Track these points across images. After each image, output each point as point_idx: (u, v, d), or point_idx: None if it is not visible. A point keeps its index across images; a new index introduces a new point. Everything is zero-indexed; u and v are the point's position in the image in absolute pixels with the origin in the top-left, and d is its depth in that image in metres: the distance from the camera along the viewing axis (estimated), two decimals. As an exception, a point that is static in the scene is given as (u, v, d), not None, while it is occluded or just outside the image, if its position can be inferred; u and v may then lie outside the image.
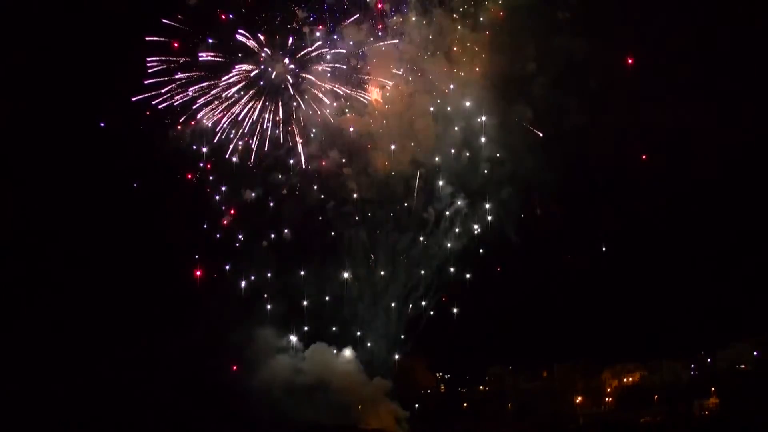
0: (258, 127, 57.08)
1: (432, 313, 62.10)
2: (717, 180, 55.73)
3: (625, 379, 63.69)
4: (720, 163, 54.76)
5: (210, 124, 56.70)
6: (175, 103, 55.72)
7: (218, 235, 59.08)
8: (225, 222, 58.63)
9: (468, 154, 59.50)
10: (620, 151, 56.15)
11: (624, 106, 54.36)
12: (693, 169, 55.40)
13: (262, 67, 56.27)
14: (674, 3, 52.80)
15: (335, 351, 62.48)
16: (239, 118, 56.88)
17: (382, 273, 61.99)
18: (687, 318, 58.10)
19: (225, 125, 56.94)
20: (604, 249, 60.54)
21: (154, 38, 54.51)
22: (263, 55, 55.95)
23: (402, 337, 62.92)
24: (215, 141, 57.10)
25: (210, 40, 54.81)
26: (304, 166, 58.71)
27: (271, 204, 59.26)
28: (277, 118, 57.27)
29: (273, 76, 56.29)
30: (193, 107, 56.20)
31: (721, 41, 52.35)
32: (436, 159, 59.77)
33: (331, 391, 60.99)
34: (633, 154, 56.81)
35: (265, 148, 57.85)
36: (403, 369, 64.41)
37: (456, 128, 59.15)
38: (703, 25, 51.65)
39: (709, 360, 60.51)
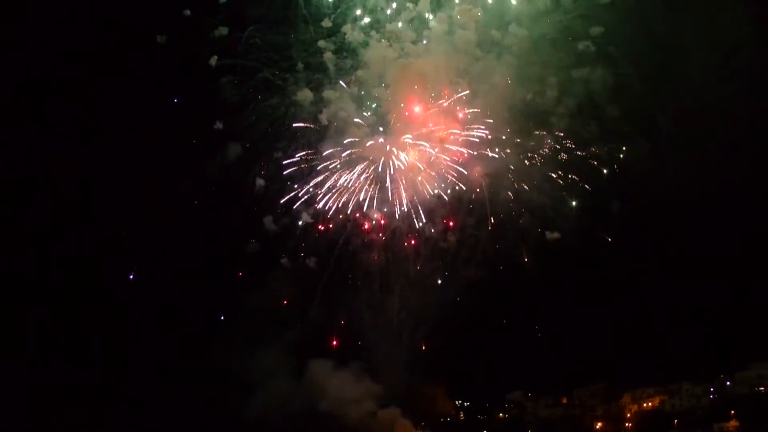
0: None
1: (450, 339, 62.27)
2: (738, 203, 56.78)
3: (644, 404, 63.90)
4: (745, 187, 55.84)
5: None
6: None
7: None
8: None
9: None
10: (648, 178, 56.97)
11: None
12: (717, 192, 56.21)
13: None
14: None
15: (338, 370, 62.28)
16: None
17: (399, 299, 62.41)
18: (705, 341, 58.66)
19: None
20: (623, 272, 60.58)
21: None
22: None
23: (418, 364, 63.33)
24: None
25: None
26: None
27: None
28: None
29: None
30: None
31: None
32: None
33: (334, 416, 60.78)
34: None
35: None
36: (421, 397, 64.56)
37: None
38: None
39: (728, 383, 60.88)
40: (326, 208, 59.27)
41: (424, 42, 56.46)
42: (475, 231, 61.01)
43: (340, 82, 56.96)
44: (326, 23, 55.48)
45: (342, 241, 59.94)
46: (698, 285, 58.81)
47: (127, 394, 58.03)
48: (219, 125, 55.69)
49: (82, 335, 57.16)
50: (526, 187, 59.59)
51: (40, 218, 56.89)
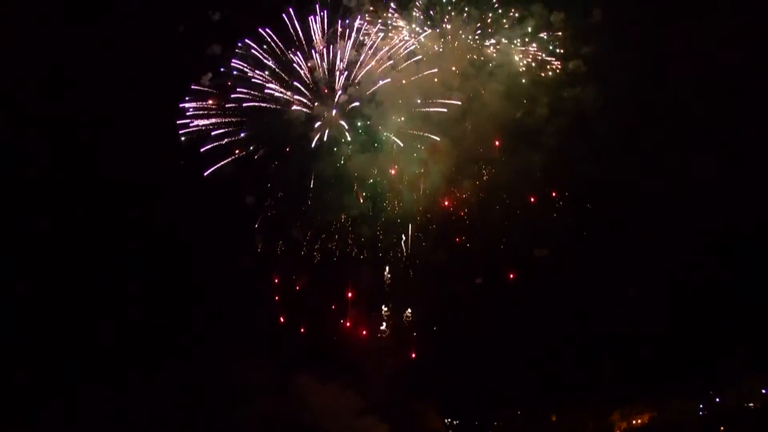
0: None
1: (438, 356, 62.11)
2: (727, 217, 57.39)
3: (634, 421, 64.20)
4: (735, 200, 56.53)
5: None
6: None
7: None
8: None
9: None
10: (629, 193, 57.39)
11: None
12: (707, 206, 56.79)
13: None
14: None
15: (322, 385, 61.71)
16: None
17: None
18: (694, 357, 59.03)
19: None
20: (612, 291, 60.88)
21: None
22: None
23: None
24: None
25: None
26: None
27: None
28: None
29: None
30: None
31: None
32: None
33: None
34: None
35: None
36: (410, 413, 64.29)
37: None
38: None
39: (717, 399, 61.37)
40: (317, 225, 59.10)
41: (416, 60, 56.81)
42: (465, 247, 60.99)
43: (331, 99, 57.01)
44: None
45: (335, 258, 59.67)
46: (688, 300, 59.52)
47: (112, 407, 57.24)
48: (210, 143, 55.59)
49: (70, 344, 56.58)
50: (515, 205, 59.95)
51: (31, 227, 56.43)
